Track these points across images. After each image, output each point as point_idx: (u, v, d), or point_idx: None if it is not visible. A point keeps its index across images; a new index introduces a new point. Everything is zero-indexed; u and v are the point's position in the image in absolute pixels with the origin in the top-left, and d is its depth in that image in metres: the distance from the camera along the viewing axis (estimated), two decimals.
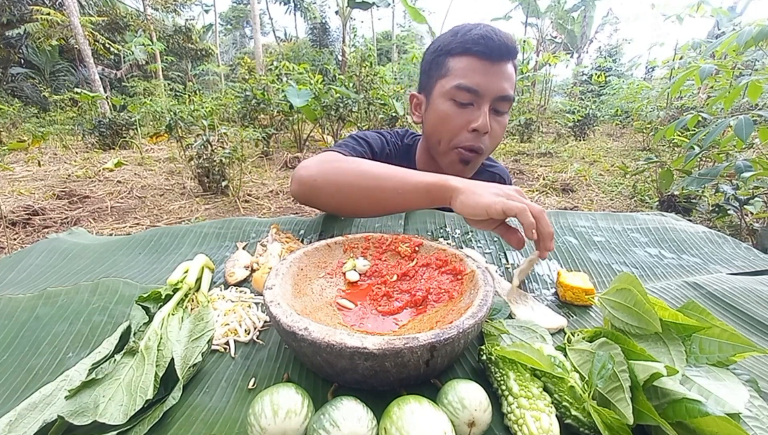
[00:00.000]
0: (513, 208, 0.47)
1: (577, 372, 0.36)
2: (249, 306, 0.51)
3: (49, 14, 8.21)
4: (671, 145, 4.25)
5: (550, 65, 6.57)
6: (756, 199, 1.95)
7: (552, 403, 0.34)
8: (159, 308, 0.46)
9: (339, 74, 5.42)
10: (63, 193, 3.31)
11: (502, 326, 0.43)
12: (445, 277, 0.52)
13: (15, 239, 2.52)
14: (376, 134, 0.92)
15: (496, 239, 0.72)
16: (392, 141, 0.94)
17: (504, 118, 0.77)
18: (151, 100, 6.59)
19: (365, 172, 0.63)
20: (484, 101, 0.72)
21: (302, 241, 0.69)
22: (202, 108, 4.09)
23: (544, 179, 3.98)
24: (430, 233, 0.73)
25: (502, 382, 0.36)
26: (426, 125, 0.82)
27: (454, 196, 0.54)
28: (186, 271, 0.53)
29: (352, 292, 0.53)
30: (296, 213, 2.98)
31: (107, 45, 8.97)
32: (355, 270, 0.55)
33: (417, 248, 0.57)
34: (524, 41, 6.31)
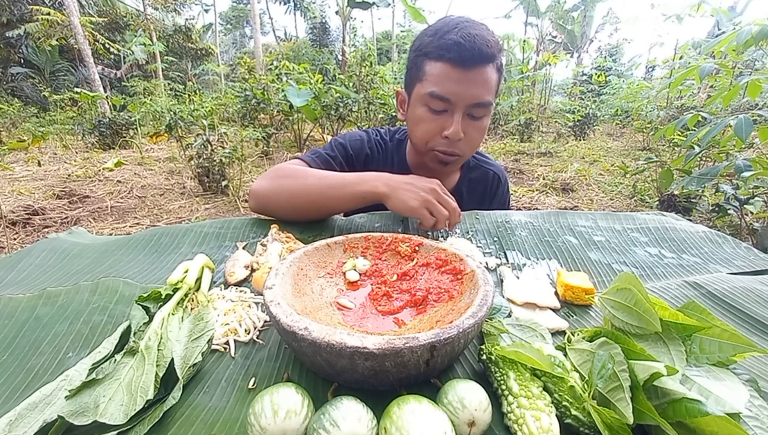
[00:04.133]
0: (427, 223, 0.64)
1: (577, 372, 0.36)
2: (249, 306, 0.51)
3: (49, 14, 8.21)
4: (671, 144, 4.25)
5: (550, 65, 6.57)
6: (756, 198, 1.95)
7: (552, 402, 0.34)
8: (159, 308, 0.45)
9: (339, 74, 5.42)
10: (63, 193, 3.31)
11: (502, 326, 0.43)
12: (445, 277, 0.52)
13: (15, 239, 2.52)
14: (359, 135, 0.94)
15: (496, 239, 0.72)
16: (376, 139, 0.95)
17: (481, 121, 0.76)
18: (151, 99, 6.58)
19: (309, 186, 0.72)
20: (457, 109, 0.72)
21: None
22: (202, 108, 4.09)
23: (544, 179, 3.98)
24: (430, 234, 0.73)
25: (502, 382, 0.36)
26: (407, 124, 0.83)
27: (385, 201, 0.67)
28: (186, 271, 0.53)
29: (352, 292, 0.53)
30: None
31: (107, 45, 8.96)
32: (355, 270, 0.55)
33: (417, 248, 0.57)
34: (524, 41, 6.31)
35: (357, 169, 0.89)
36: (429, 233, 0.71)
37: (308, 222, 0.76)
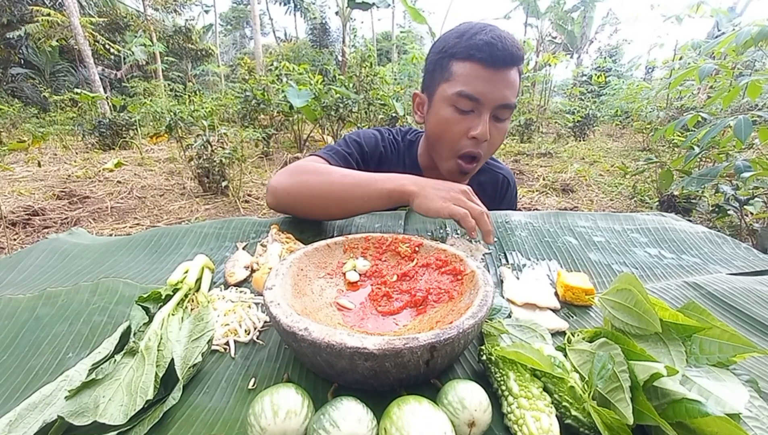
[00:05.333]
0: (456, 214, 0.57)
1: (577, 372, 0.36)
2: (249, 306, 0.51)
3: (49, 15, 8.22)
4: (671, 145, 4.25)
5: (549, 66, 6.57)
6: (756, 199, 1.95)
7: (552, 403, 0.34)
8: (159, 308, 0.45)
9: (339, 74, 5.42)
10: (63, 194, 3.31)
11: (502, 326, 0.43)
12: (445, 278, 0.52)
13: (15, 239, 2.52)
14: (373, 132, 0.93)
15: (496, 240, 0.72)
16: (390, 138, 0.94)
17: (504, 124, 0.76)
18: (151, 100, 6.59)
19: (333, 183, 0.69)
20: (484, 109, 0.71)
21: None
22: (202, 108, 4.09)
23: (544, 179, 3.98)
24: (430, 233, 0.73)
25: (502, 383, 0.36)
26: (427, 126, 0.82)
27: (412, 200, 0.62)
28: (186, 272, 0.53)
29: (352, 293, 0.53)
30: None
31: (107, 45, 8.97)
32: (355, 270, 0.55)
33: (417, 248, 0.57)
34: (524, 42, 6.31)
35: (371, 167, 0.88)
36: (470, 240, 0.70)
37: (324, 220, 0.75)
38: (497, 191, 0.98)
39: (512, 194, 1.00)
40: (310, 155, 0.83)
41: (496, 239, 0.71)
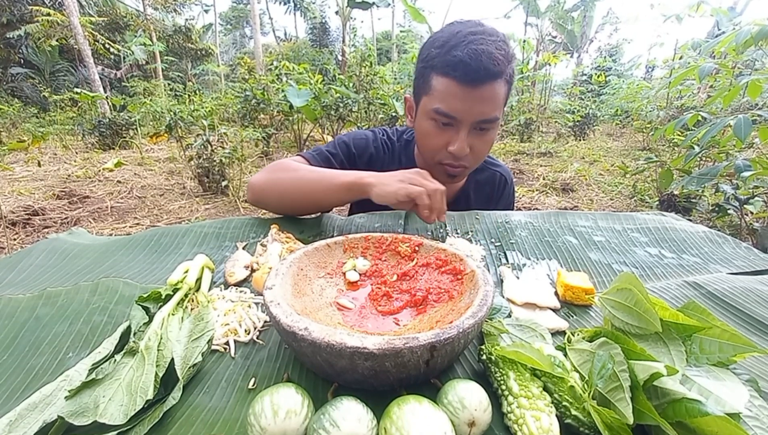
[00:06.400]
0: (412, 192, 0.60)
1: (577, 372, 0.36)
2: (249, 306, 0.51)
3: (49, 14, 8.21)
4: (671, 144, 4.25)
5: (550, 65, 6.56)
6: (756, 198, 1.95)
7: (552, 402, 0.34)
8: (159, 308, 0.45)
9: (339, 74, 5.42)
10: (63, 193, 3.31)
11: (502, 326, 0.43)
12: (445, 277, 0.52)
13: (15, 239, 2.52)
14: (365, 134, 0.93)
15: (499, 243, 0.72)
16: (383, 139, 0.94)
17: (489, 134, 0.75)
18: (151, 100, 6.58)
19: (301, 179, 0.73)
20: (462, 126, 0.71)
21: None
22: (202, 108, 4.08)
23: (544, 179, 3.98)
24: (430, 233, 0.73)
25: (502, 382, 0.36)
26: (416, 133, 0.83)
27: (369, 190, 0.65)
28: (186, 271, 0.53)
29: (352, 292, 0.53)
30: None
31: (107, 45, 8.96)
32: (355, 270, 0.55)
33: (417, 248, 0.57)
34: (524, 41, 6.31)
35: (359, 167, 0.88)
36: (428, 229, 0.70)
37: (302, 217, 0.77)
38: (494, 189, 0.98)
39: (509, 192, 1.00)
40: (296, 156, 0.86)
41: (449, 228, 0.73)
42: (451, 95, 0.69)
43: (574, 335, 0.42)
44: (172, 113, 3.72)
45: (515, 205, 1.07)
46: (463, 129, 0.71)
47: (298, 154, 0.87)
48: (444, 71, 0.69)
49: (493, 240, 0.72)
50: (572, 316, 0.51)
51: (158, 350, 0.39)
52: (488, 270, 0.59)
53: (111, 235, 2.43)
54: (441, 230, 0.74)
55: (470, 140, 0.72)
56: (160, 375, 0.37)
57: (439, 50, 0.70)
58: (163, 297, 0.47)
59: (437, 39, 0.73)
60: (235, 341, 0.45)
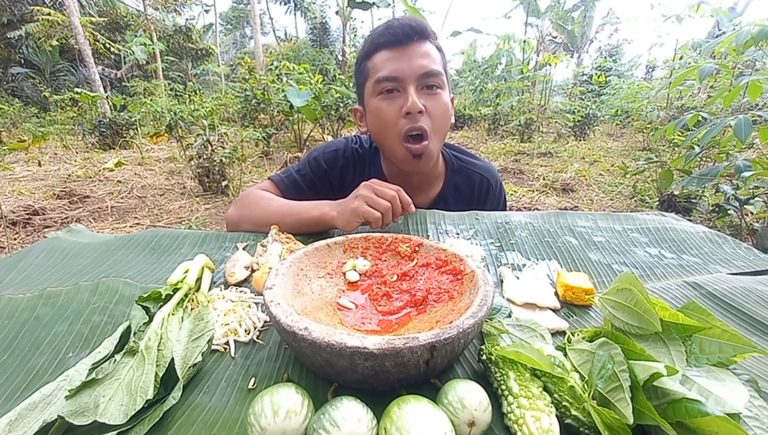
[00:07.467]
0: (364, 214, 0.63)
1: (577, 372, 0.36)
2: (249, 306, 0.51)
3: (49, 14, 8.21)
4: (671, 145, 4.25)
5: (550, 65, 6.57)
6: (756, 199, 1.95)
7: (552, 402, 0.34)
8: (159, 308, 0.46)
9: (339, 74, 5.42)
10: (63, 193, 3.31)
11: (502, 326, 0.43)
12: (445, 277, 0.52)
13: (15, 239, 2.52)
14: (336, 146, 0.92)
15: (499, 244, 0.72)
16: (353, 148, 0.93)
17: (439, 93, 0.75)
18: (151, 100, 6.58)
19: (270, 214, 0.76)
20: (407, 84, 0.73)
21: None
22: (203, 108, 4.09)
23: (544, 179, 3.98)
24: (430, 233, 0.73)
25: (502, 382, 0.36)
26: (370, 129, 0.83)
27: (335, 223, 0.68)
28: (186, 271, 0.53)
29: (352, 292, 0.53)
30: None
31: (107, 45, 8.97)
32: (355, 270, 0.55)
33: (417, 248, 0.57)
34: (524, 41, 6.31)
35: (332, 180, 0.90)
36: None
37: None
38: (474, 192, 0.94)
39: (495, 194, 0.96)
40: (265, 180, 0.90)
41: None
42: (386, 60, 0.74)
43: (574, 335, 0.42)
44: (172, 113, 3.72)
45: (515, 205, 1.06)
46: (409, 86, 0.73)
47: (268, 178, 0.90)
48: (374, 47, 0.76)
49: (493, 240, 0.72)
50: (572, 317, 0.51)
51: (158, 350, 0.39)
52: (488, 270, 0.59)
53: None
54: (441, 230, 0.74)
55: (422, 100, 0.73)
56: (160, 375, 0.37)
57: (366, 43, 0.79)
58: (163, 297, 0.47)
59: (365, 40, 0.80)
60: (235, 341, 0.45)
